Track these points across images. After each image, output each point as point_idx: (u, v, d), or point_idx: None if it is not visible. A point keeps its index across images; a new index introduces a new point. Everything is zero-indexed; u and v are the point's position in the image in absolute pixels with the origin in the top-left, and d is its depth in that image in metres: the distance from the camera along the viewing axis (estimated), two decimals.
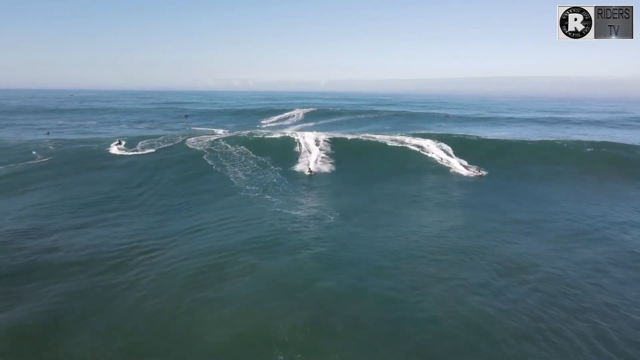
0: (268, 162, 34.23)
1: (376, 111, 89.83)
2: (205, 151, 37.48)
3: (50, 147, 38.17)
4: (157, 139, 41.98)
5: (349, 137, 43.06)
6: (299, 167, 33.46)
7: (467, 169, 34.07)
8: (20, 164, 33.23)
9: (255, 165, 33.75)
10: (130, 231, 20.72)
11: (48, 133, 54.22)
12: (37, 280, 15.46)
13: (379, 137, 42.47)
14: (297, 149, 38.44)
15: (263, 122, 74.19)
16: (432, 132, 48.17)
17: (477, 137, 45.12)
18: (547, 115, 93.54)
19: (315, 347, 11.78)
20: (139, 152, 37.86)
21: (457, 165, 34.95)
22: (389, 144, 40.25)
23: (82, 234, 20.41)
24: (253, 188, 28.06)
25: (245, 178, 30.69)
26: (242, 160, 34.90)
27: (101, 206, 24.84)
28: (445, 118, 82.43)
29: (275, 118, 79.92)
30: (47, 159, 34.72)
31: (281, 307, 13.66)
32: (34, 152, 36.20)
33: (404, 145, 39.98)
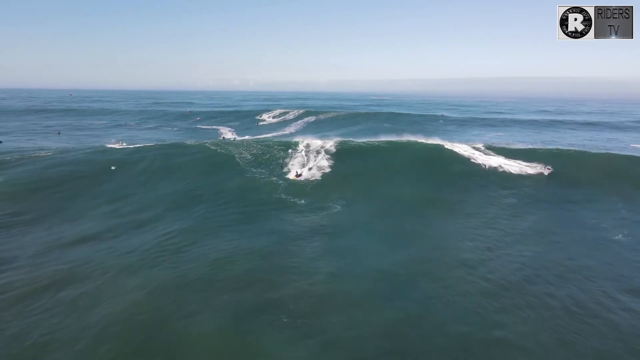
0: (264, 163, 33.74)
1: (375, 111, 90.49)
2: (206, 146, 37.68)
3: (58, 146, 38.66)
4: (158, 138, 42.21)
5: (347, 138, 42.38)
6: (291, 169, 32.13)
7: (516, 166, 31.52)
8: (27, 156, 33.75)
9: (251, 166, 33.18)
10: (136, 215, 21.78)
11: (59, 133, 54.87)
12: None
13: (378, 139, 42.03)
14: (294, 150, 37.22)
15: (263, 122, 74.46)
16: (435, 135, 46.15)
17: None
18: (551, 117, 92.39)
19: (317, 315, 13.20)
20: (139, 146, 38.22)
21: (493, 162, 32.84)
22: (389, 145, 39.67)
23: (79, 223, 20.90)
24: (252, 178, 29.05)
25: (242, 172, 31.25)
26: (241, 159, 34.83)
27: (101, 186, 26.57)
28: (442, 117, 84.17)
29: (276, 114, 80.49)
30: (51, 153, 35.05)
31: (288, 280, 15.21)
32: (41, 150, 36.49)
33: (406, 145, 39.64)
